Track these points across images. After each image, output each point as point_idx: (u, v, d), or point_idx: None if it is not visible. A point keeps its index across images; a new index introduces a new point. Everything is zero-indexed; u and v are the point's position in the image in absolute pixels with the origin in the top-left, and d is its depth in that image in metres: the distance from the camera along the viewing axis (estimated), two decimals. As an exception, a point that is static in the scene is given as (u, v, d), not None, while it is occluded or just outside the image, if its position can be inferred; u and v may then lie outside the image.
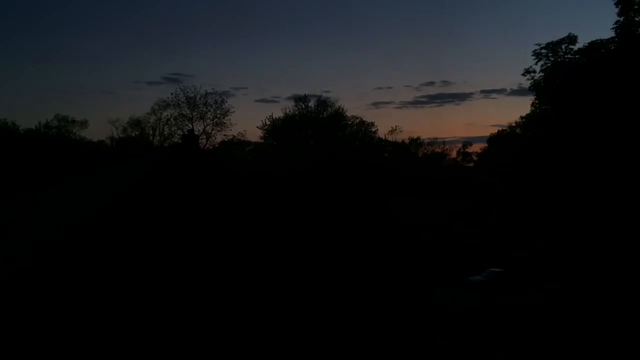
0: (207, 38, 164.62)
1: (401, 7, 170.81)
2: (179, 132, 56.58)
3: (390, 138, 76.80)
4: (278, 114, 64.77)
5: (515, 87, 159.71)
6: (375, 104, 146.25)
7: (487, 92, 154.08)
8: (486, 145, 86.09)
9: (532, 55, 39.44)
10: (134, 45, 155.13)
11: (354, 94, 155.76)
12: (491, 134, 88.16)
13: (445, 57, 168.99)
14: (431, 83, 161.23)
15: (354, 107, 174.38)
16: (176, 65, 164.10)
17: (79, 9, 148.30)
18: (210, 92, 55.64)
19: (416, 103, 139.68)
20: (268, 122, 61.53)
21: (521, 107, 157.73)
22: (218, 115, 55.40)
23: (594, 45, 35.34)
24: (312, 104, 62.18)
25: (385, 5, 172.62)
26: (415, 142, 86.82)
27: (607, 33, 34.36)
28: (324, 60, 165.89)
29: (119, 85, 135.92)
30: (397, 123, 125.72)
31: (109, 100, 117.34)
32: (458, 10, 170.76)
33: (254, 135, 57.76)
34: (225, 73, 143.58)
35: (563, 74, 36.15)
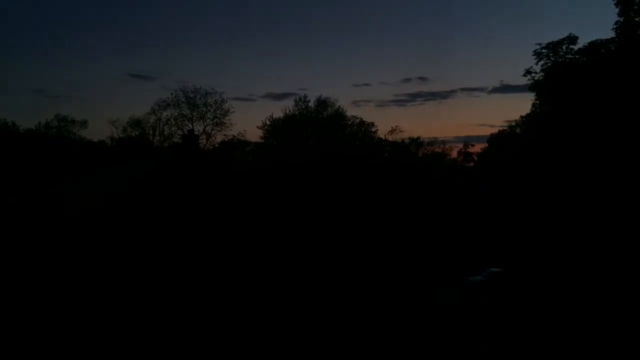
0: (180, 35, 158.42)
1: (373, 2, 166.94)
2: (179, 132, 56.66)
3: (390, 138, 76.78)
4: (254, 112, 63.41)
5: (497, 85, 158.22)
6: (356, 102, 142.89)
7: (469, 90, 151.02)
8: (486, 145, 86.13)
9: (533, 55, 39.49)
10: (96, 41, 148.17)
11: (332, 92, 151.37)
12: (491, 134, 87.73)
13: (421, 53, 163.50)
14: (407, 80, 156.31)
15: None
16: (145, 62, 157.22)
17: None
18: (210, 92, 55.70)
19: (398, 101, 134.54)
20: (268, 122, 61.57)
21: (506, 106, 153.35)
22: (218, 115, 55.46)
23: (595, 46, 35.36)
24: (312, 104, 62.24)
25: (356, 0, 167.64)
26: (416, 142, 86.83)
27: (604, 33, 34.48)
28: (299, 58, 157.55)
29: (82, 83, 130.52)
30: (381, 123, 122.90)
31: (76, 99, 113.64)
32: (430, 4, 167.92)
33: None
34: (200, 71, 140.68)
35: (564, 74, 36.19)
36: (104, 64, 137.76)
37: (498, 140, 76.42)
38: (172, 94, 55.94)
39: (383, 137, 74.89)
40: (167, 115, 57.29)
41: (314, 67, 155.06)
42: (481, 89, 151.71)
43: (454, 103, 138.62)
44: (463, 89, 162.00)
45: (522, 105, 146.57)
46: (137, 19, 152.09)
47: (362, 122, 69.48)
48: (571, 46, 37.69)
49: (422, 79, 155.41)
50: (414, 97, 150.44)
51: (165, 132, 58.58)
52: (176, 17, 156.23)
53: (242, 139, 57.64)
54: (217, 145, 57.04)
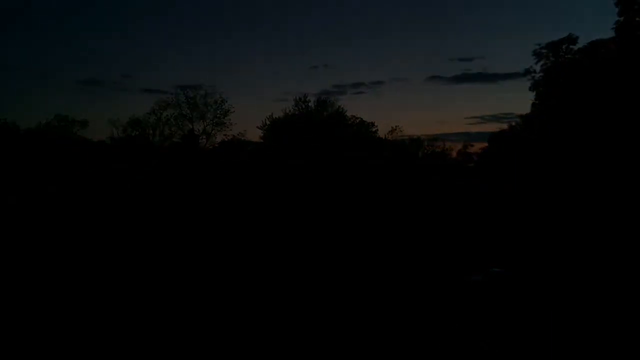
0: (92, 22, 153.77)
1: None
2: (179, 132, 56.75)
3: (389, 138, 76.90)
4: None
5: (425, 77, 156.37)
6: (282, 98, 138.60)
7: (400, 81, 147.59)
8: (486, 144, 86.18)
9: (533, 55, 39.59)
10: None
11: (252, 84, 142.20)
12: (493, 132, 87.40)
13: (331, 41, 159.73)
14: (314, 67, 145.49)
15: (256, 102, 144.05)
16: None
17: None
18: (210, 92, 55.76)
19: (326, 93, 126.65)
20: (268, 122, 61.59)
21: (452, 99, 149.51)
22: (218, 115, 55.47)
23: (595, 45, 35.41)
24: (312, 103, 62.30)
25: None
26: (416, 142, 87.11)
27: (603, 33, 34.48)
28: (209, 49, 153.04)
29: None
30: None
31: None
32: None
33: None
34: (107, 61, 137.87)
35: (564, 74, 36.24)
36: None
37: (498, 140, 76.43)
38: (172, 94, 56.01)
39: (384, 137, 75.10)
40: (167, 115, 57.25)
41: (226, 58, 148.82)
42: (409, 80, 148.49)
43: (390, 95, 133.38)
44: (395, 79, 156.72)
45: (470, 99, 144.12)
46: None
47: (362, 122, 69.65)
48: (571, 46, 37.77)
49: (326, 65, 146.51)
50: (341, 88, 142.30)
51: (165, 132, 58.54)
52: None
53: (242, 138, 57.72)
54: (217, 145, 57.13)
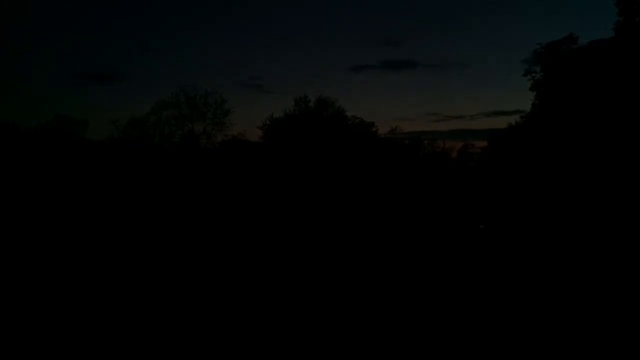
0: None
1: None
2: (179, 132, 56.70)
3: (390, 137, 77.15)
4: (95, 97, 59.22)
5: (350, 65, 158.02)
6: (245, 86, 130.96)
7: (356, 69, 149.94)
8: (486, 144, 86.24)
9: (533, 55, 39.57)
10: None
11: (166, 79, 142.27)
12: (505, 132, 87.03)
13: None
14: (227, 64, 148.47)
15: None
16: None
17: None
18: (210, 92, 55.71)
19: (244, 85, 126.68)
20: (268, 122, 61.59)
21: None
22: (218, 115, 55.43)
23: (595, 45, 35.38)
24: (312, 103, 62.28)
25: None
26: (416, 142, 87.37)
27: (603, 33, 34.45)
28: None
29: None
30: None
31: None
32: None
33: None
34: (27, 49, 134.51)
35: (564, 74, 36.21)
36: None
37: (498, 140, 76.47)
38: (172, 93, 55.98)
39: (383, 136, 75.35)
40: (167, 115, 57.15)
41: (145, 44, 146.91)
42: (365, 68, 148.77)
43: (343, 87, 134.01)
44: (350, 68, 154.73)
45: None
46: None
47: (362, 122, 69.76)
48: (571, 46, 37.72)
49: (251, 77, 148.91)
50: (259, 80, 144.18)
51: (165, 132, 58.45)
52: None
53: (242, 138, 57.73)
54: (217, 145, 57.12)
